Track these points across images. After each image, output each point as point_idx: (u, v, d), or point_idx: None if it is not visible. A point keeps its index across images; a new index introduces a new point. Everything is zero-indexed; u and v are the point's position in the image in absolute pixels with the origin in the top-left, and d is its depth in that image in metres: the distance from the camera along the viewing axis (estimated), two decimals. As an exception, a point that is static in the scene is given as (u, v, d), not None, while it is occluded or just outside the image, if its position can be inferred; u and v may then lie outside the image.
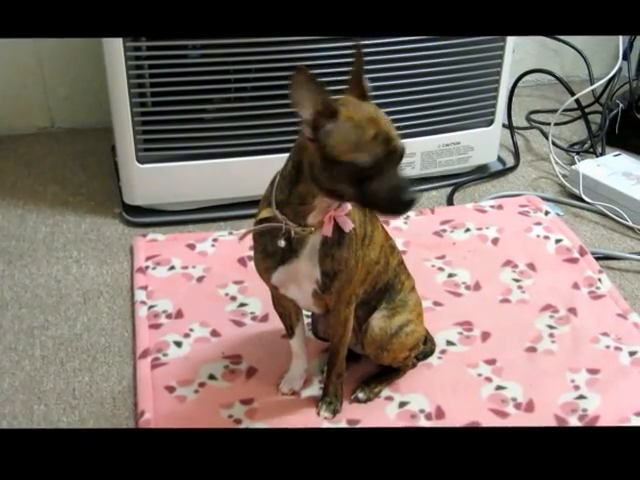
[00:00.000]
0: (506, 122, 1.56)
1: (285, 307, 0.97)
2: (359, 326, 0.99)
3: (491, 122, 1.45)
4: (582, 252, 1.26)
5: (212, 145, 1.30)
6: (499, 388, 1.02)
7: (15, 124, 1.59)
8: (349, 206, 0.86)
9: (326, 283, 0.88)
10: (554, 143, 1.55)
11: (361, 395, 1.00)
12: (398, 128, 1.34)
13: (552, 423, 0.97)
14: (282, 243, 0.85)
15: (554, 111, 1.67)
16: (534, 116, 1.72)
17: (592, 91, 1.64)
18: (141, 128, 1.27)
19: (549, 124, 1.59)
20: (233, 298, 1.17)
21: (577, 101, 1.54)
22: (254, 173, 1.30)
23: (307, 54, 1.26)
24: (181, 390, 1.01)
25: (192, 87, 1.25)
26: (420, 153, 1.42)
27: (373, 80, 1.31)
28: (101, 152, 1.56)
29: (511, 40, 1.37)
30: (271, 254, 0.88)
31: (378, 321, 0.96)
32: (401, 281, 0.99)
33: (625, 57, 1.68)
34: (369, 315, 0.98)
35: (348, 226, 0.86)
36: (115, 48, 1.19)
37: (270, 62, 1.25)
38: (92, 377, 1.05)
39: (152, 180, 1.32)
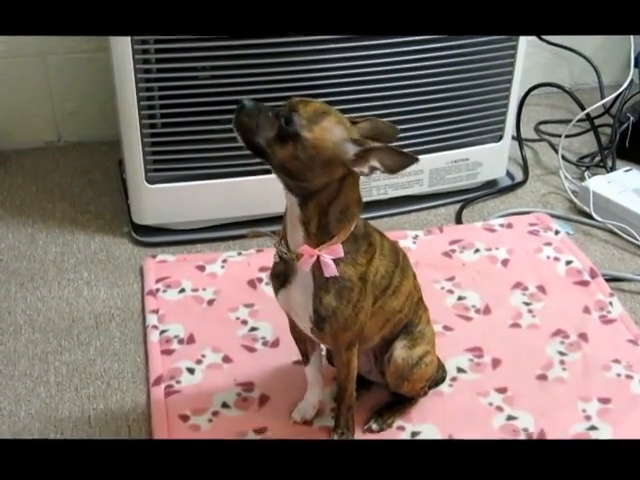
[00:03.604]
0: (515, 134, 1.55)
1: (300, 333, 0.98)
2: (375, 356, 1.00)
3: (500, 137, 1.44)
4: (593, 274, 1.26)
5: (221, 165, 1.30)
6: (510, 418, 1.02)
7: (22, 138, 1.59)
8: (340, 251, 0.85)
9: (318, 323, 0.88)
10: (563, 156, 1.54)
11: (375, 426, 1.01)
12: (407, 146, 1.37)
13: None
14: (276, 257, 0.89)
15: (563, 122, 1.66)
16: (543, 127, 1.70)
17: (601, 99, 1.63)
18: (150, 149, 1.27)
19: (558, 136, 1.58)
20: (244, 322, 1.18)
21: (587, 114, 1.53)
22: (262, 192, 1.31)
23: (315, 74, 1.25)
24: (195, 419, 1.02)
25: (201, 108, 1.24)
26: (428, 170, 1.41)
27: (382, 99, 1.32)
28: (108, 166, 1.55)
29: (521, 57, 1.35)
30: (277, 275, 0.91)
31: (400, 352, 0.97)
32: (419, 315, 1.00)
33: (637, 64, 1.67)
34: (386, 346, 0.98)
35: (329, 271, 0.85)
36: (125, 71, 1.19)
37: (278, 82, 1.24)
38: (107, 404, 1.06)
39: (161, 200, 1.32)
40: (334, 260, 0.85)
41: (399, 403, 1.03)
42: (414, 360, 0.97)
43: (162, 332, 1.15)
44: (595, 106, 1.55)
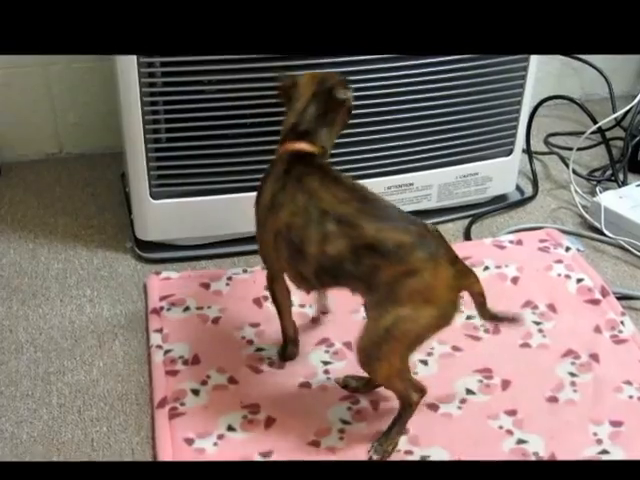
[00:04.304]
0: (525, 148, 1.53)
1: None
2: None
3: (510, 152, 1.42)
4: (604, 293, 1.23)
5: (227, 180, 1.28)
6: (520, 442, 1.00)
7: (24, 150, 1.57)
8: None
9: None
10: (573, 170, 1.51)
11: (375, 456, 0.98)
12: (416, 160, 1.35)
13: (576, 482, 0.96)
14: None
15: (573, 134, 1.64)
16: (552, 139, 1.68)
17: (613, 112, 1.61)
18: (155, 164, 1.25)
19: (568, 148, 1.56)
20: (250, 342, 1.16)
21: (599, 128, 1.51)
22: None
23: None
24: (200, 442, 1.00)
25: (207, 122, 1.22)
26: (437, 185, 1.39)
27: (390, 113, 1.30)
28: (110, 179, 1.54)
29: (533, 71, 1.33)
30: None
31: (363, 330, 0.90)
32: (392, 271, 0.84)
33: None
34: None
35: None
36: (130, 84, 1.17)
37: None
38: (110, 427, 1.04)
39: (165, 216, 1.30)
40: None
41: (394, 424, 0.99)
42: (380, 333, 0.85)
43: (166, 352, 1.13)
44: (607, 120, 1.52)
